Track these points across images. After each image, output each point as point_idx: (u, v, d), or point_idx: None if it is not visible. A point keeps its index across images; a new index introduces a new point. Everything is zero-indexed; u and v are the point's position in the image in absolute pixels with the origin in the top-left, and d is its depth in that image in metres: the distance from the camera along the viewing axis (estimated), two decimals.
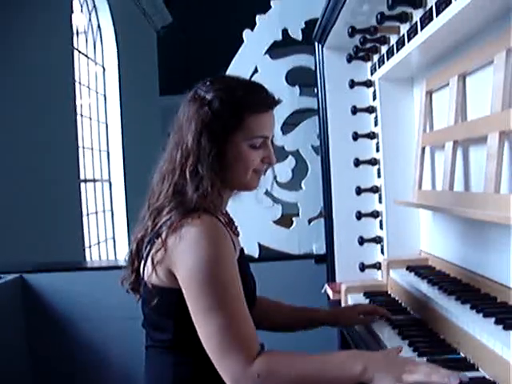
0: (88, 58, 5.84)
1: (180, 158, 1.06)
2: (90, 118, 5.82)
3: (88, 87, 5.82)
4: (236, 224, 1.25)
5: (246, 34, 2.10)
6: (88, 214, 5.47)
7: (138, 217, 1.14)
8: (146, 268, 1.07)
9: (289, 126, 2.12)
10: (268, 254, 2.14)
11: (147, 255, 1.07)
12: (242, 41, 2.11)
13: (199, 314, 0.99)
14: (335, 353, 1.04)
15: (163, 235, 1.02)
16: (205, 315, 0.98)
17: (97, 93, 6.11)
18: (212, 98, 1.07)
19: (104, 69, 6.29)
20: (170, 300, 1.05)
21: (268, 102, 1.11)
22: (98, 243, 5.84)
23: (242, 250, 1.21)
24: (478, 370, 0.95)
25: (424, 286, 1.31)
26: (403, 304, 1.42)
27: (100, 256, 5.80)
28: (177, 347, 1.07)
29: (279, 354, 0.99)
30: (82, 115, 5.44)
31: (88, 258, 5.24)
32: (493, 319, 0.98)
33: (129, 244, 1.18)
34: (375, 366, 0.93)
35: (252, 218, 2.02)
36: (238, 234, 1.20)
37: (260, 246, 2.10)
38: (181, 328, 1.05)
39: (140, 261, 1.10)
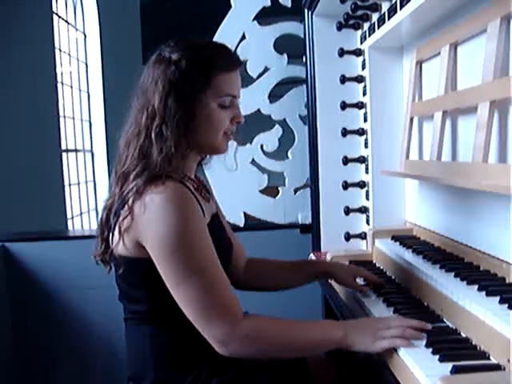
0: (68, 23, 5.65)
1: (145, 120, 1.04)
2: (71, 87, 5.67)
3: (69, 54, 5.65)
4: (208, 188, 1.24)
5: None
6: (70, 185, 5.39)
7: (108, 187, 1.12)
8: (113, 237, 1.05)
9: (276, 97, 2.10)
10: (253, 224, 2.14)
11: (115, 224, 1.04)
12: (229, 8, 2.06)
13: (175, 282, 0.98)
14: (318, 320, 1.09)
15: (130, 202, 1.00)
16: (181, 283, 0.97)
17: (78, 60, 5.94)
18: (179, 57, 1.05)
19: (85, 35, 6.10)
20: (138, 270, 1.04)
21: (235, 60, 1.11)
22: (81, 214, 5.78)
23: (215, 215, 1.20)
24: (460, 334, 0.97)
25: (409, 255, 1.33)
26: (388, 273, 1.44)
27: (83, 227, 5.75)
28: (153, 318, 1.07)
29: (266, 317, 1.02)
30: (62, 83, 5.30)
31: (70, 229, 5.19)
32: (476, 286, 1.00)
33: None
34: (354, 332, 0.99)
35: (238, 187, 2.01)
36: (207, 200, 1.18)
37: (245, 215, 2.10)
38: (154, 298, 1.04)
39: (109, 230, 1.08)
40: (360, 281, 1.34)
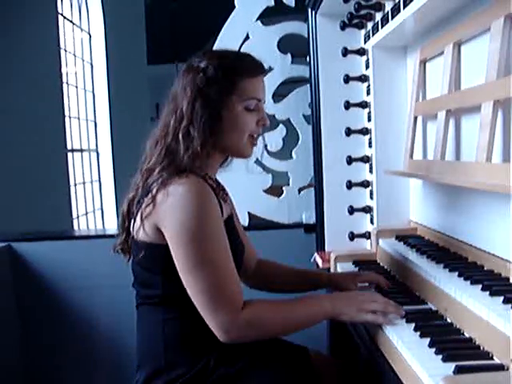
0: (73, 24, 5.67)
1: (174, 122, 1.11)
2: (77, 87, 5.70)
3: (74, 55, 5.68)
4: (226, 191, 1.29)
5: None
6: (75, 185, 5.42)
7: (131, 183, 1.18)
8: (135, 224, 1.11)
9: (280, 96, 2.10)
10: (258, 223, 2.15)
11: (137, 212, 1.10)
12: (233, 8, 2.06)
13: (187, 270, 1.03)
14: (307, 296, 1.18)
15: (153, 191, 1.06)
16: (193, 271, 1.03)
17: (83, 61, 5.97)
18: (206, 65, 1.12)
19: (90, 36, 6.12)
20: (156, 255, 1.09)
21: (258, 67, 1.18)
22: (86, 214, 5.81)
23: (230, 216, 1.24)
24: (463, 334, 0.97)
25: (413, 255, 1.33)
26: (392, 272, 1.44)
27: (88, 227, 5.78)
28: (165, 303, 1.11)
29: (262, 302, 1.09)
30: (68, 84, 5.32)
31: (76, 229, 5.21)
32: (479, 286, 1.00)
33: (117, 212, 1.20)
34: (340, 303, 1.10)
35: (242, 187, 2.01)
36: (225, 200, 1.23)
37: (250, 214, 2.10)
38: (168, 283, 1.09)
39: (130, 219, 1.14)
40: None
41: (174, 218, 1.03)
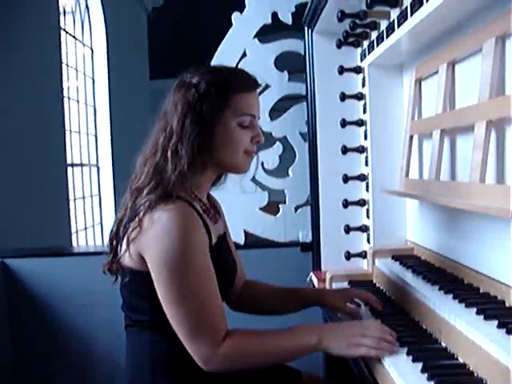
0: (76, 39, 5.72)
1: (163, 140, 1.09)
2: (78, 101, 5.72)
3: (76, 69, 5.72)
4: (218, 209, 1.26)
5: (235, 16, 2.06)
6: (75, 199, 5.41)
7: (121, 201, 1.16)
8: (122, 247, 1.09)
9: (277, 112, 2.09)
10: (254, 242, 2.13)
11: (124, 235, 1.08)
12: (232, 24, 2.07)
13: (168, 301, 1.02)
14: (293, 327, 1.09)
15: (140, 214, 1.04)
16: (174, 303, 1.01)
17: (85, 75, 6.01)
18: (198, 81, 1.10)
19: (92, 50, 6.17)
20: (142, 282, 1.07)
21: (252, 82, 1.16)
22: (86, 228, 5.79)
23: (223, 236, 1.22)
24: (457, 359, 0.95)
25: (408, 276, 1.31)
26: (387, 293, 1.42)
27: (87, 241, 5.76)
28: (153, 326, 1.10)
29: (243, 333, 1.06)
30: (69, 98, 5.35)
31: (75, 244, 5.19)
32: (474, 309, 0.97)
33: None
34: (329, 336, 1.04)
35: (238, 205, 2.00)
36: (216, 221, 1.20)
37: (246, 233, 2.09)
38: (156, 308, 1.06)
39: (118, 241, 1.12)
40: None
41: (157, 248, 1.01)
